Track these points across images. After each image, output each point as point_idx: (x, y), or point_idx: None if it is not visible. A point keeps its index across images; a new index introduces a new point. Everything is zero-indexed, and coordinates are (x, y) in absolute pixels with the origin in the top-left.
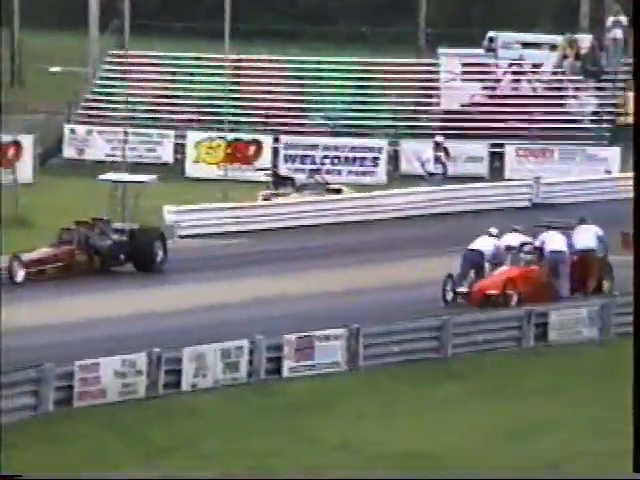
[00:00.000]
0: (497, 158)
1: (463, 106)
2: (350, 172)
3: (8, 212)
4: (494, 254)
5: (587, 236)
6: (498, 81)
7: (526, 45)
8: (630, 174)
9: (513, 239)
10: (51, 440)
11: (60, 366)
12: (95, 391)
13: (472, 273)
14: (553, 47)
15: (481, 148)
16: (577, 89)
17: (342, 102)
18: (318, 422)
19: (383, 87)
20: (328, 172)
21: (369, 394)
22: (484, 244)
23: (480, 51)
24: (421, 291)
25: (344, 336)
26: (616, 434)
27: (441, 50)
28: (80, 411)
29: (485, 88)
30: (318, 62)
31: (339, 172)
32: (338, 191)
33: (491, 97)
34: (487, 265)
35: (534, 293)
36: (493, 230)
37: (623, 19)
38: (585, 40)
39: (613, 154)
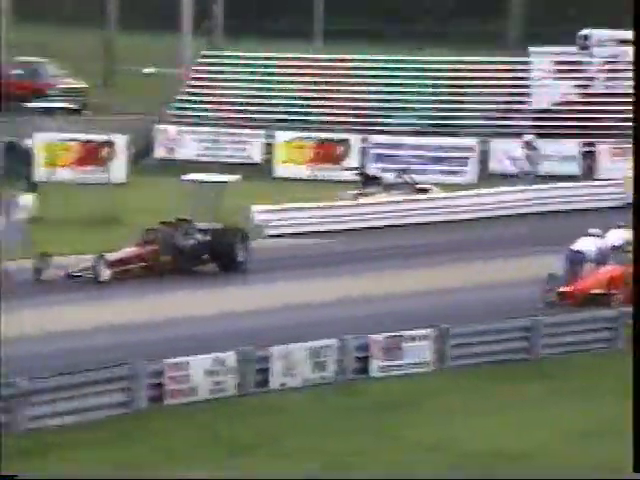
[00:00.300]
0: (589, 157)
1: (555, 105)
2: (439, 171)
3: (100, 211)
4: (596, 254)
5: None
6: (591, 79)
7: (621, 42)
8: None
9: (618, 236)
10: (138, 437)
11: (151, 364)
12: (186, 389)
13: (573, 273)
14: None
15: (573, 147)
16: None
17: (431, 101)
18: (404, 421)
19: (473, 86)
20: (416, 172)
21: (457, 393)
22: (586, 245)
23: (573, 49)
24: (513, 291)
25: (432, 336)
26: None
27: (532, 48)
28: (169, 409)
29: (578, 86)
30: (407, 61)
31: (427, 172)
32: (426, 191)
33: (584, 95)
34: (589, 265)
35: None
36: (594, 230)
37: None
38: None
39: None
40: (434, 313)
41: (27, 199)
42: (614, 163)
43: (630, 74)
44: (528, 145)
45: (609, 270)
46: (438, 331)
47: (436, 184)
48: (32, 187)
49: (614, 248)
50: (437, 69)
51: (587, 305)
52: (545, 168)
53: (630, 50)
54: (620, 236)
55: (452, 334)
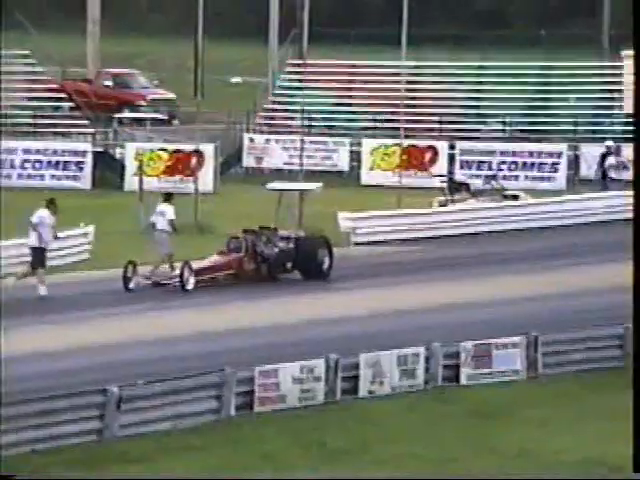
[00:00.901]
0: None
1: None
2: (528, 177)
3: (189, 219)
4: None
5: None
6: None
7: None
8: None
9: None
10: (230, 442)
11: (241, 371)
12: (275, 396)
13: None
14: None
15: None
16: None
17: (520, 107)
18: (496, 429)
19: (563, 91)
20: (505, 178)
21: (548, 402)
22: None
23: None
24: (602, 298)
25: (522, 344)
26: None
27: (625, 52)
28: (259, 416)
29: None
30: (495, 67)
31: (517, 178)
32: (516, 197)
33: None
34: None
35: None
36: None
37: None
38: None
39: None
40: (527, 320)
41: (167, 208)
42: None
43: None
44: (609, 151)
45: None
46: (528, 338)
47: (525, 190)
48: (168, 196)
49: None
50: (526, 74)
51: None
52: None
53: None
54: None
55: (542, 342)
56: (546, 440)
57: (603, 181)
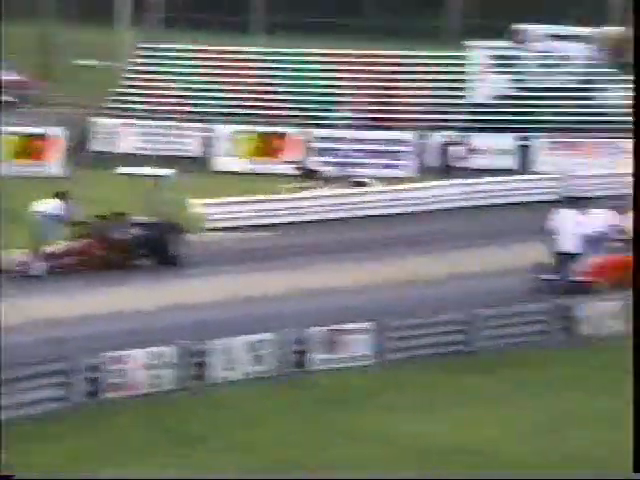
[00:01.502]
0: (526, 151)
1: (491, 99)
2: (378, 165)
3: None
4: (585, 241)
5: None
6: (527, 73)
7: (556, 37)
8: None
9: (605, 221)
10: (80, 430)
11: (88, 358)
12: (123, 383)
13: (562, 261)
14: (583, 39)
15: (509, 141)
16: (607, 81)
17: (371, 95)
18: (348, 415)
19: (411, 80)
20: (356, 165)
21: (399, 387)
22: (572, 232)
23: (509, 43)
24: (448, 285)
25: (370, 330)
26: None
27: (469, 43)
28: (109, 403)
29: (514, 81)
30: (348, 55)
31: (367, 165)
32: (365, 184)
33: (520, 90)
34: (578, 253)
35: (624, 279)
36: (581, 217)
37: None
38: (615, 32)
39: None
40: (377, 307)
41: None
42: (550, 157)
43: (564, 68)
44: (451, 141)
45: (595, 258)
46: (376, 325)
47: (375, 178)
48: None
49: (600, 237)
50: (376, 62)
51: (574, 293)
52: (482, 162)
53: (564, 45)
54: (604, 223)
55: (389, 327)
56: (398, 425)
57: (447, 169)
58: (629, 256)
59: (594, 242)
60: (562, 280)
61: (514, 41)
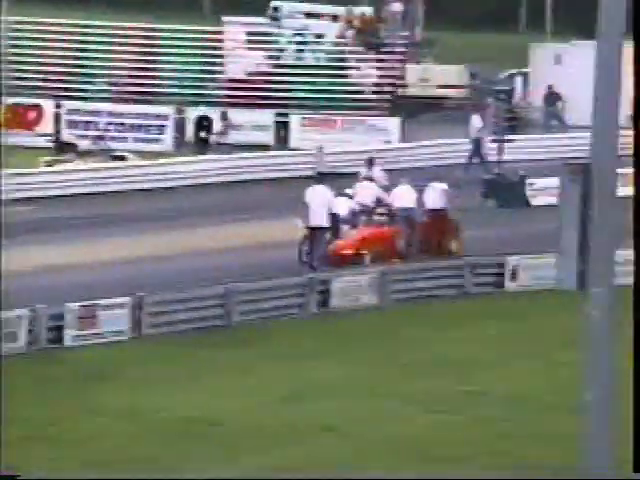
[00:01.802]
0: (282, 127)
1: (248, 75)
2: (136, 139)
3: None
4: (349, 215)
5: (436, 195)
6: (282, 50)
7: (309, 15)
8: (409, 144)
9: (370, 194)
10: None
11: None
12: None
13: (315, 235)
14: (335, 18)
15: (266, 117)
16: (358, 60)
17: (127, 68)
18: (102, 390)
19: (169, 54)
20: (113, 139)
21: (154, 361)
22: (340, 207)
23: (264, 20)
24: (212, 259)
25: (129, 304)
26: (391, 396)
27: (225, 18)
28: None
29: (269, 57)
30: (101, 27)
31: (124, 139)
32: (123, 158)
33: (275, 66)
34: (343, 226)
35: (386, 252)
36: (348, 190)
37: (398, 12)
38: (366, 12)
39: (393, 125)
40: (131, 282)
41: None
42: (305, 133)
43: (317, 46)
44: (205, 116)
45: (359, 231)
46: (134, 299)
47: (133, 152)
48: None
49: (363, 210)
50: (132, 35)
51: (340, 265)
52: (239, 137)
53: (317, 23)
54: (369, 195)
55: (148, 302)
56: (153, 400)
57: (205, 144)
58: (391, 228)
59: (356, 215)
60: (316, 253)
61: (270, 18)
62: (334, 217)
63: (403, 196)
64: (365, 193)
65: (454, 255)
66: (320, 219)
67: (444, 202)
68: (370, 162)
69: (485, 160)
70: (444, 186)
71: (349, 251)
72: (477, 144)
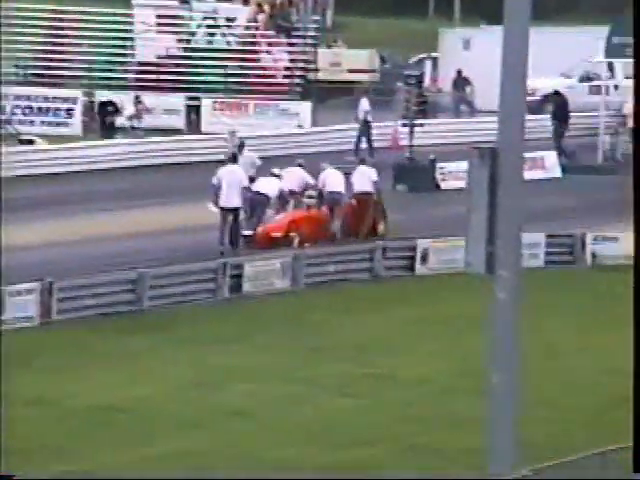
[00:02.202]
0: (194, 111)
1: (159, 58)
2: (44, 123)
3: None
4: (278, 197)
5: (364, 179)
6: (193, 34)
7: None
8: (321, 128)
9: (297, 179)
10: None
11: None
12: None
13: (256, 215)
14: (246, 1)
15: (178, 101)
16: (270, 44)
17: (34, 50)
18: (9, 377)
19: (77, 37)
20: (20, 122)
21: (63, 348)
22: (269, 187)
23: (174, 3)
24: (118, 244)
25: (37, 290)
26: (301, 380)
27: (135, 0)
28: None
29: (180, 40)
30: (7, 8)
31: (32, 123)
32: (31, 142)
33: (186, 50)
34: (271, 208)
35: (315, 234)
36: (276, 170)
37: None
38: None
39: (305, 109)
40: (41, 267)
41: None
42: (217, 117)
43: (228, 30)
44: (137, 99)
45: (288, 214)
46: (42, 285)
47: (41, 136)
48: None
49: (292, 192)
50: (40, 17)
51: (269, 248)
52: (150, 121)
53: (228, 6)
54: (297, 179)
55: (57, 287)
56: (61, 387)
57: (115, 128)
58: (320, 211)
59: (284, 197)
60: (234, 234)
61: (180, 1)
62: (263, 197)
63: (331, 180)
64: (292, 177)
65: (381, 237)
66: (234, 200)
67: (371, 185)
68: (241, 145)
69: (372, 144)
70: (372, 169)
71: (278, 233)
72: (367, 127)
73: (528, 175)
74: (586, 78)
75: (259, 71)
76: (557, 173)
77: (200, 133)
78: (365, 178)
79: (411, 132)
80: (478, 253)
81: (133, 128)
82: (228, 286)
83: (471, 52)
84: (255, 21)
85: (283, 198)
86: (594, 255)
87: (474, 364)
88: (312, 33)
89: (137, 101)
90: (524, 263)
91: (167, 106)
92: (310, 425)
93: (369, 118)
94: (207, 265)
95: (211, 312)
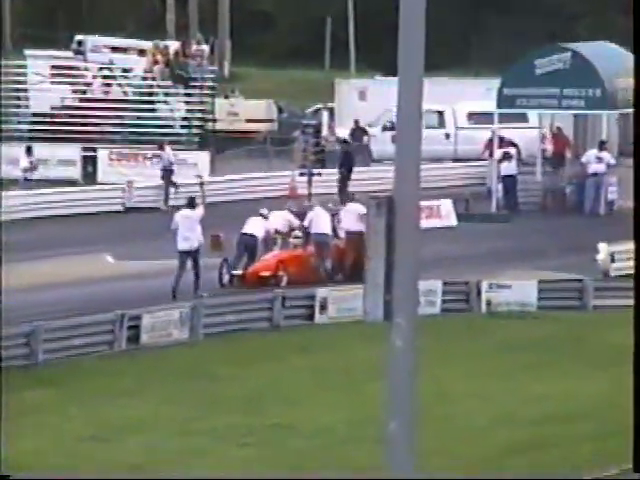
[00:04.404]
0: (90, 162)
1: (53, 109)
2: None
3: None
4: (265, 237)
5: (352, 217)
6: (88, 84)
7: (115, 49)
8: (219, 178)
9: (282, 220)
10: None
11: None
12: None
13: (247, 255)
14: (142, 52)
15: (73, 152)
16: (167, 94)
17: None
18: None
19: None
20: None
21: None
22: (257, 228)
23: (69, 54)
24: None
25: None
26: (201, 432)
27: (28, 52)
28: None
29: (75, 91)
30: None
31: None
32: None
33: (82, 100)
34: (260, 248)
35: (303, 274)
36: (264, 211)
37: (204, 48)
38: (173, 46)
39: (203, 159)
40: None
41: None
42: (112, 167)
43: (125, 80)
44: (29, 151)
45: (276, 254)
46: None
47: None
48: None
49: (277, 232)
50: None
51: (258, 287)
52: (45, 172)
53: (124, 57)
54: (282, 221)
55: None
56: None
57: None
58: (307, 251)
59: (270, 238)
60: (178, 278)
61: (74, 51)
62: (251, 237)
63: (317, 221)
64: (278, 218)
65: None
66: (191, 242)
67: (360, 224)
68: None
69: (168, 197)
70: (361, 208)
71: (267, 272)
72: (169, 174)
73: (425, 223)
74: (389, 127)
75: (156, 121)
76: (453, 221)
77: (96, 184)
78: (354, 216)
79: (309, 181)
80: (376, 301)
81: (26, 180)
82: (125, 338)
83: (367, 102)
84: (151, 72)
85: (270, 238)
86: (489, 302)
87: (373, 412)
88: (209, 83)
89: (28, 153)
90: (421, 310)
91: (62, 157)
92: (212, 477)
93: (173, 168)
94: (104, 317)
95: (108, 365)
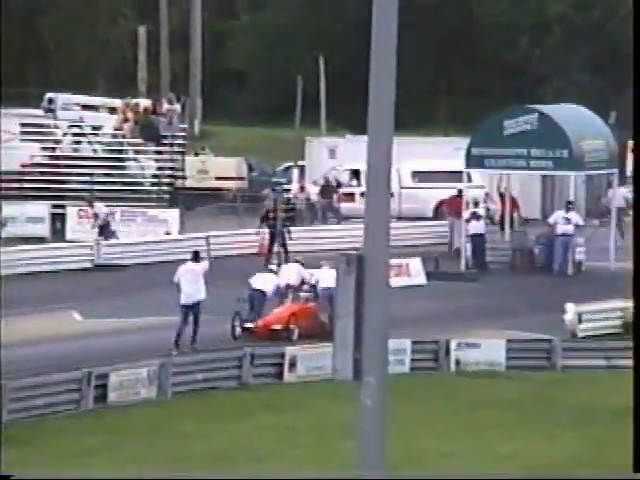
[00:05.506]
0: (59, 219)
1: (23, 166)
2: None
3: None
4: (275, 292)
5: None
6: (58, 142)
7: (85, 107)
8: (189, 235)
9: (294, 274)
10: None
11: None
12: None
13: (256, 309)
14: (113, 110)
15: (42, 209)
16: (137, 152)
17: None
18: None
19: None
20: None
21: None
22: (266, 284)
23: (39, 112)
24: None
25: None
26: None
27: (3, 110)
28: None
29: (45, 149)
30: None
31: None
32: None
33: (51, 158)
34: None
35: (312, 327)
36: (273, 266)
37: (176, 107)
38: (144, 104)
39: (173, 216)
40: None
41: None
42: (82, 225)
43: (95, 138)
44: None
45: (287, 307)
46: None
47: None
48: None
49: (288, 286)
50: None
51: (270, 339)
52: (13, 230)
53: (94, 115)
54: (294, 275)
55: None
56: None
57: None
58: (317, 305)
59: (281, 292)
60: (195, 331)
61: (45, 109)
62: (260, 292)
63: (324, 276)
64: (289, 273)
65: None
66: (195, 296)
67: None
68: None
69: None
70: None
71: (278, 326)
72: (108, 227)
73: (394, 282)
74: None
75: (126, 179)
76: (422, 280)
77: (65, 241)
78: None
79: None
80: (345, 359)
81: None
82: (93, 396)
83: (337, 160)
84: (121, 129)
85: (280, 293)
86: (458, 361)
87: (342, 470)
88: (179, 141)
89: None
90: (390, 369)
91: (32, 214)
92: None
93: (109, 219)
94: (71, 375)
95: (74, 424)
